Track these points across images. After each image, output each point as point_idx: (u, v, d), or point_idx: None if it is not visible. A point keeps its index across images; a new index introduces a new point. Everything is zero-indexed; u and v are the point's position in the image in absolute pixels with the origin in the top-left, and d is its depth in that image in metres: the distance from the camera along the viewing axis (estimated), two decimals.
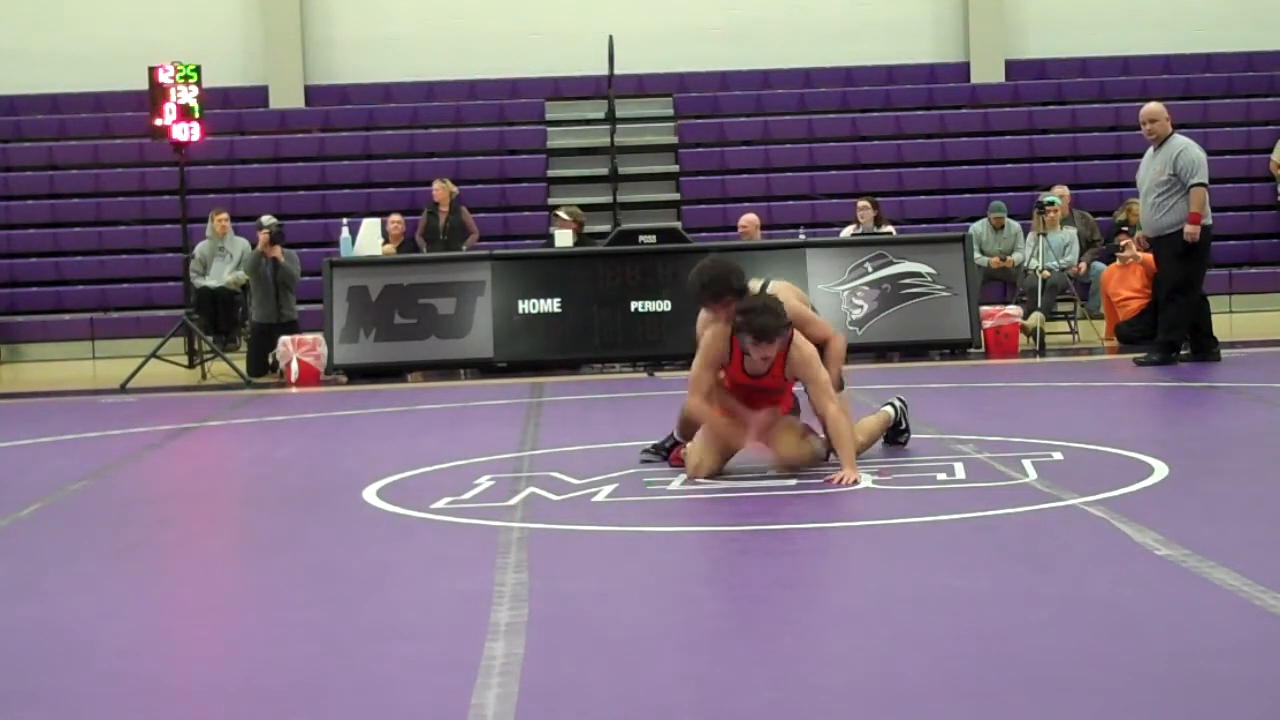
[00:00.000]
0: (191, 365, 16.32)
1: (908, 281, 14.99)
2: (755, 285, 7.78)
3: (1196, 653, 4.25)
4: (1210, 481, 7.19)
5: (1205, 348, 13.52)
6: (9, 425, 12.05)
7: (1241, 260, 19.40)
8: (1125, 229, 16.41)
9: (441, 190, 17.79)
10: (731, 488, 7.41)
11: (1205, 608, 4.76)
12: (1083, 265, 17.10)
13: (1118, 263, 15.91)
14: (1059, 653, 4.32)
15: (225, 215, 17.18)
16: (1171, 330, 13.35)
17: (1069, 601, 4.94)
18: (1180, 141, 13.21)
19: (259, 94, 21.65)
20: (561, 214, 16.66)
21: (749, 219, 16.79)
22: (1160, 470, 7.33)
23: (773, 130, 20.99)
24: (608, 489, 7.41)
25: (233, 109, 20.95)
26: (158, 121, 16.17)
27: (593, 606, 5.13)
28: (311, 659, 4.63)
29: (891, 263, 15.11)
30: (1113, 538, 5.87)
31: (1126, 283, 15.64)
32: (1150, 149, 13.35)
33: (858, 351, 13.70)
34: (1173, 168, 13.05)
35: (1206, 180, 13.10)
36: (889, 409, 8.33)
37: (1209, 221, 13.28)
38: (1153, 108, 13.46)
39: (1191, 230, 12.97)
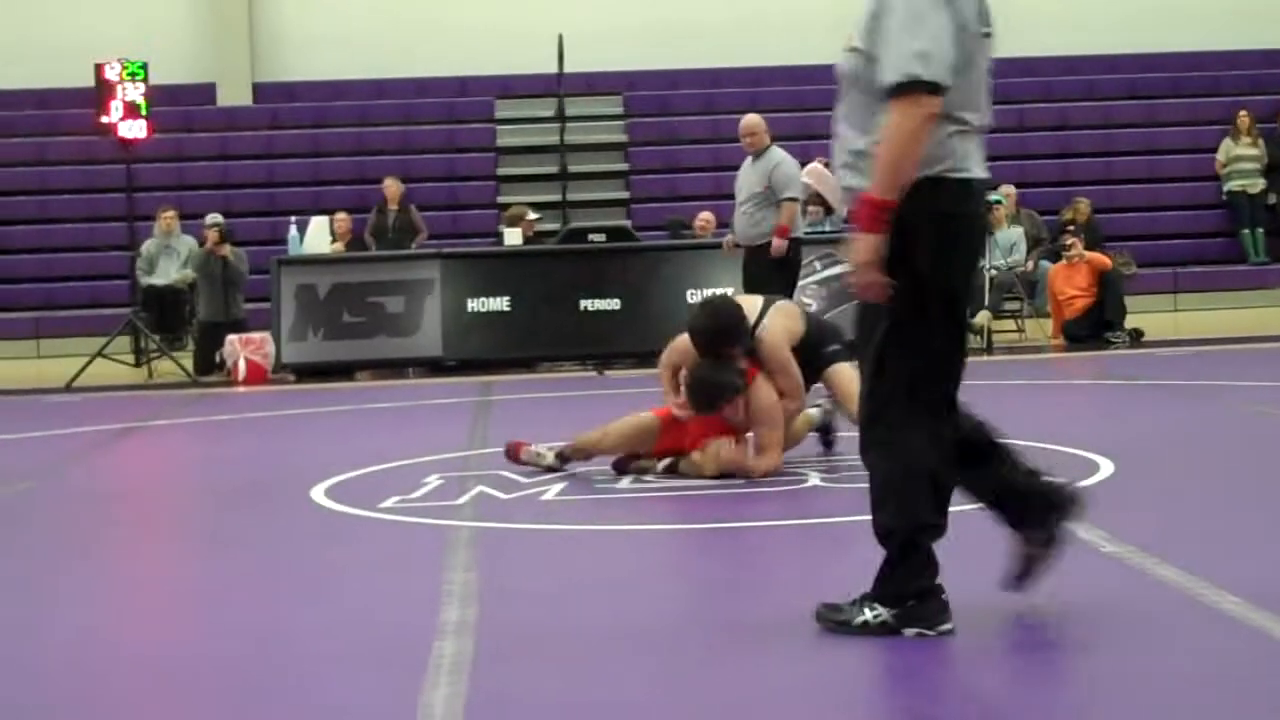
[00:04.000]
0: (138, 364, 16.20)
1: None
2: (755, 306, 7.83)
3: (1142, 649, 4.27)
4: (1156, 478, 7.24)
5: None
6: None
7: (1187, 259, 19.54)
8: (1071, 228, 16.50)
9: (391, 188, 17.73)
10: (681, 485, 7.42)
11: (1150, 604, 4.79)
12: (1030, 264, 17.19)
13: (1064, 261, 15.99)
14: (996, 645, 4.34)
15: (173, 213, 17.05)
16: None
17: (1013, 596, 4.96)
18: (777, 155, 12.89)
19: (207, 91, 21.53)
20: (530, 216, 16.63)
21: (705, 216, 16.93)
22: (1106, 467, 7.37)
23: (723, 129, 20.98)
24: (557, 487, 7.40)
25: (180, 106, 20.80)
26: (104, 119, 16.03)
27: (542, 605, 5.13)
28: (258, 659, 4.61)
29: (839, 261, 15.14)
30: None
31: (1073, 281, 15.72)
32: (749, 159, 13.03)
33: None
34: (768, 180, 12.95)
35: (799, 195, 12.94)
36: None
37: (800, 234, 13.19)
38: (751, 120, 13.24)
39: (779, 244, 12.85)
